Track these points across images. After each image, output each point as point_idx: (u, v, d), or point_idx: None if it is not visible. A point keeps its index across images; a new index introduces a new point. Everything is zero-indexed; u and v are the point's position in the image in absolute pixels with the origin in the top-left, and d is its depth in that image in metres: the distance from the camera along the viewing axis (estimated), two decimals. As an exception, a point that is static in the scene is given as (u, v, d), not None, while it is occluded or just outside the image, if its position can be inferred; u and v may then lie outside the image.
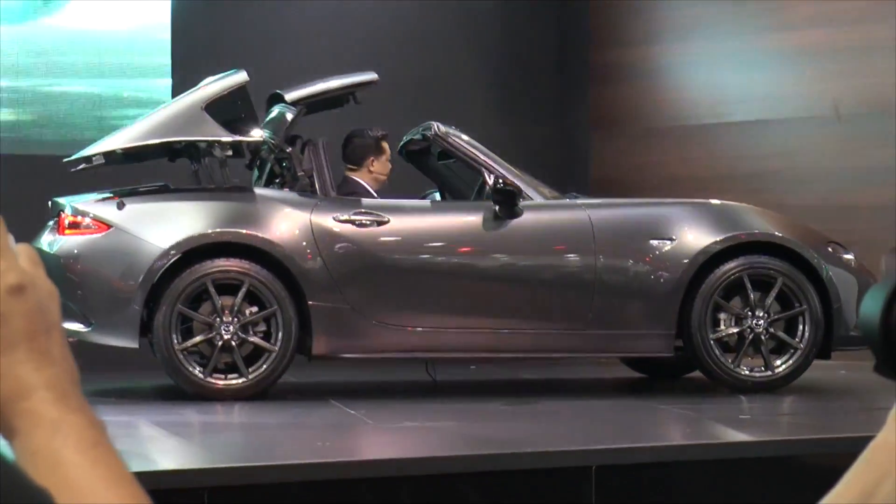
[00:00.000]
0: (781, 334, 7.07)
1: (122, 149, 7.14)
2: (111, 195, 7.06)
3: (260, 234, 6.84)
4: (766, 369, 7.05)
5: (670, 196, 8.22)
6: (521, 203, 7.06)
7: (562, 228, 7.08)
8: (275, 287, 6.80)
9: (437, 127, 7.35)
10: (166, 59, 9.79)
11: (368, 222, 6.99)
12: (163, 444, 5.49)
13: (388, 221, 7.02)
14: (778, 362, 7.04)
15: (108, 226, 6.85)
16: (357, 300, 6.88)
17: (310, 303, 6.83)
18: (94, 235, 6.84)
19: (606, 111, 11.03)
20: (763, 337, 7.04)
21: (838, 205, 9.65)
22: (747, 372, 7.05)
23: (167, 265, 6.75)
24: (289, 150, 7.26)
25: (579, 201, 7.26)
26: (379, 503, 4.33)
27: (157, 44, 9.77)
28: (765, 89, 10.17)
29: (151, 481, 3.73)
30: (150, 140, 7.08)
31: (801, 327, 7.07)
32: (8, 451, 0.89)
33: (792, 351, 7.06)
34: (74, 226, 6.88)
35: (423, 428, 5.85)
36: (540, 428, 5.97)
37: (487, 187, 7.05)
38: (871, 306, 1.12)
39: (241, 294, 6.76)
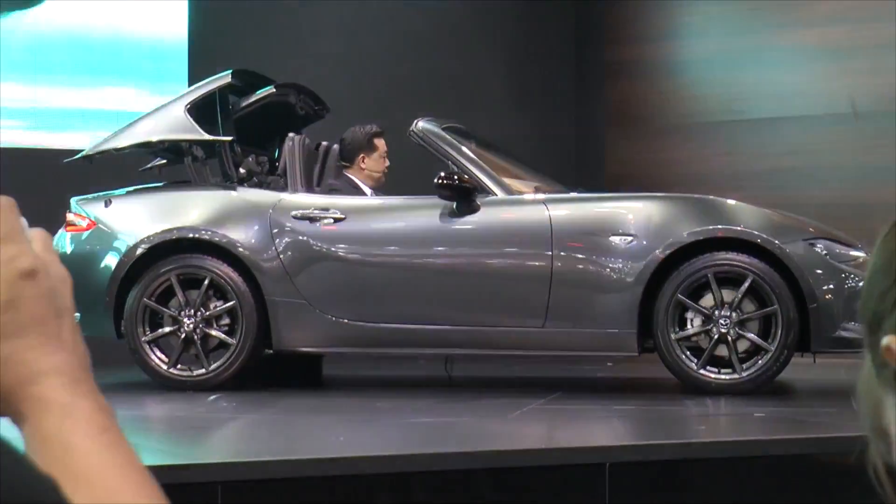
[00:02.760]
0: (750, 335, 6.73)
1: (115, 149, 7.48)
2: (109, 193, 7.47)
3: (219, 231, 7.10)
4: (733, 371, 6.73)
5: (690, 192, 8.13)
6: (480, 199, 6.97)
7: (519, 225, 6.96)
8: (234, 282, 7.04)
9: (416, 124, 7.29)
10: (183, 66, 9.80)
11: (324, 219, 7.10)
12: (177, 438, 5.50)
13: (344, 218, 7.09)
14: (746, 364, 6.71)
15: (95, 223, 7.30)
16: (312, 296, 7.02)
17: (267, 298, 7.03)
18: (83, 232, 7.33)
19: (622, 108, 11.01)
20: (730, 337, 6.72)
21: (854, 202, 9.62)
22: (711, 374, 6.74)
23: (133, 260, 7.09)
24: (242, 171, 7.48)
25: (540, 196, 7.07)
26: (394, 498, 4.32)
27: (174, 50, 9.78)
28: (781, 86, 10.14)
29: (165, 476, 3.73)
30: (136, 140, 7.43)
31: (773, 328, 6.72)
32: (10, 438, 0.88)
33: (763, 353, 6.72)
34: (71, 222, 7.38)
35: (439, 423, 5.84)
36: (554, 425, 5.96)
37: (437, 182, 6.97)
38: None
39: (202, 288, 7.04)
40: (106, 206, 7.34)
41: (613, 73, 11.04)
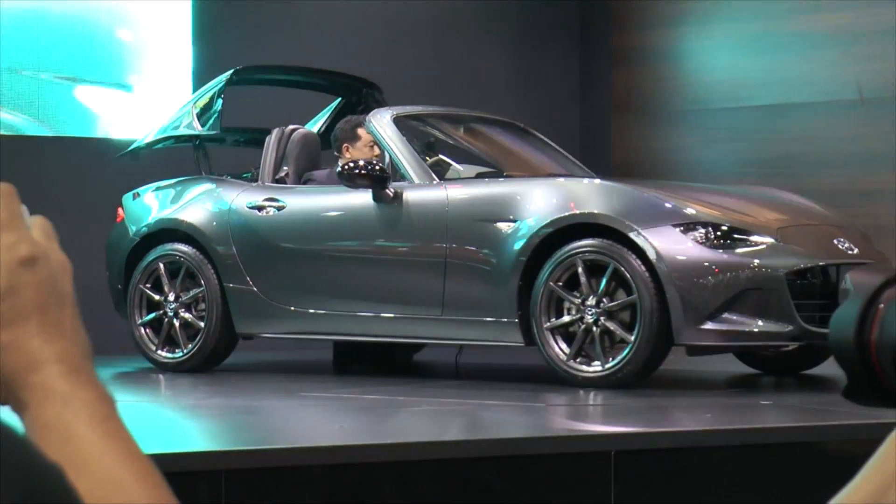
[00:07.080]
0: (611, 325, 6.37)
1: (147, 144, 8.06)
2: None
3: (191, 221, 7.49)
4: (598, 364, 6.41)
5: (697, 180, 8.11)
6: (394, 187, 6.98)
7: (423, 212, 6.94)
8: (202, 269, 7.37)
9: (371, 114, 7.45)
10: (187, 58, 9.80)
11: (268, 208, 7.35)
12: (180, 426, 5.50)
13: (285, 207, 7.33)
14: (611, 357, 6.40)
15: (124, 215, 7.85)
16: (260, 283, 7.30)
17: (226, 285, 7.34)
18: (117, 223, 7.88)
19: (628, 94, 10.99)
20: (596, 328, 6.39)
21: (861, 189, 9.60)
22: (577, 366, 6.44)
23: (130, 248, 7.63)
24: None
25: (444, 183, 7.02)
26: (398, 486, 4.32)
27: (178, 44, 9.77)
28: (787, 72, 10.11)
29: (168, 463, 3.72)
30: (158, 136, 8.00)
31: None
32: (19, 426, 0.87)
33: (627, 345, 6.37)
34: (119, 215, 7.92)
35: (443, 411, 5.84)
36: (560, 413, 5.96)
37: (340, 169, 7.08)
38: (842, 325, 1.05)
39: (180, 275, 7.44)
40: (133, 199, 7.84)
41: (620, 59, 11.02)
